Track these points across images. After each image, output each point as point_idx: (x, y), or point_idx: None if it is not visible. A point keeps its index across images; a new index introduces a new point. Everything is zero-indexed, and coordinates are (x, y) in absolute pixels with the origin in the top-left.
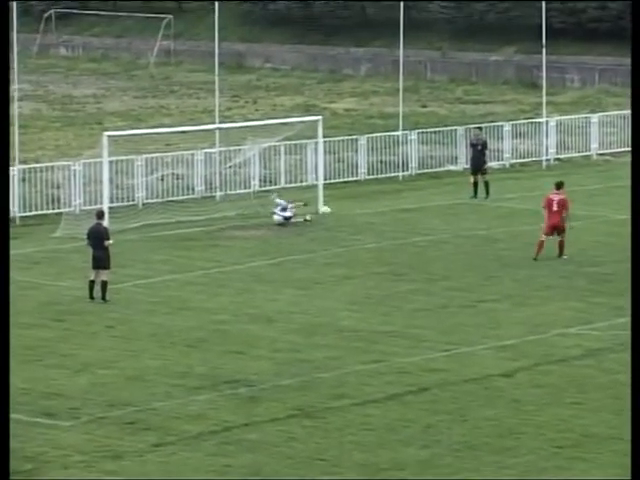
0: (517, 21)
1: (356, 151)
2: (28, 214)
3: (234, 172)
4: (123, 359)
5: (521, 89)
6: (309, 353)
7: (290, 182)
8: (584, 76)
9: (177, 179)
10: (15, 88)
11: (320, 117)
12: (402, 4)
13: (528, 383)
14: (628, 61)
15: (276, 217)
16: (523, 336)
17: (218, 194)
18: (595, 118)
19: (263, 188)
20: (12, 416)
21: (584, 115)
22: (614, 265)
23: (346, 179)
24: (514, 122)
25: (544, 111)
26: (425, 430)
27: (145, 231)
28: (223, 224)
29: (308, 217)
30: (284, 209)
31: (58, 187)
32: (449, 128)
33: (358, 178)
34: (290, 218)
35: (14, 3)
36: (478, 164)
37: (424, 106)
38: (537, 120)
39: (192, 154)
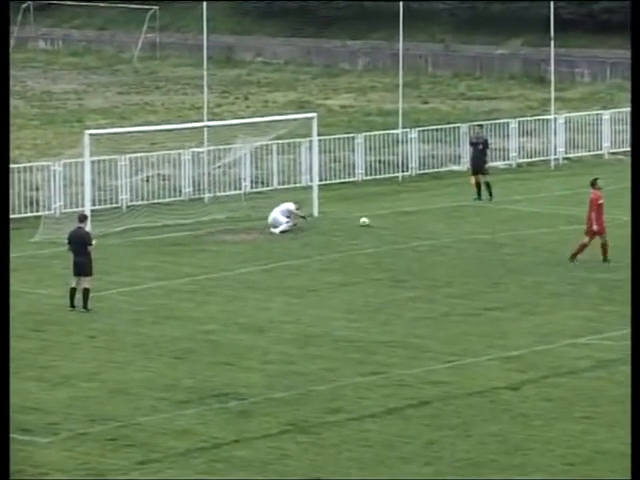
0: (524, 12)
1: (353, 150)
2: None
3: (224, 172)
4: (106, 371)
5: (528, 84)
6: (303, 365)
7: (283, 183)
8: (595, 70)
9: (163, 180)
10: None
11: (315, 114)
12: None
13: (536, 396)
14: None
15: (283, 227)
16: (530, 346)
17: (207, 196)
18: (607, 115)
19: (254, 189)
20: None
21: (595, 112)
22: (627, 271)
23: (342, 180)
24: (521, 119)
25: (552, 107)
26: (427, 446)
27: (129, 235)
28: (212, 228)
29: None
30: (288, 217)
31: (37, 189)
32: (452, 126)
33: (355, 179)
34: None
35: None
36: (479, 164)
37: (425, 102)
38: (545, 117)
39: (179, 154)
